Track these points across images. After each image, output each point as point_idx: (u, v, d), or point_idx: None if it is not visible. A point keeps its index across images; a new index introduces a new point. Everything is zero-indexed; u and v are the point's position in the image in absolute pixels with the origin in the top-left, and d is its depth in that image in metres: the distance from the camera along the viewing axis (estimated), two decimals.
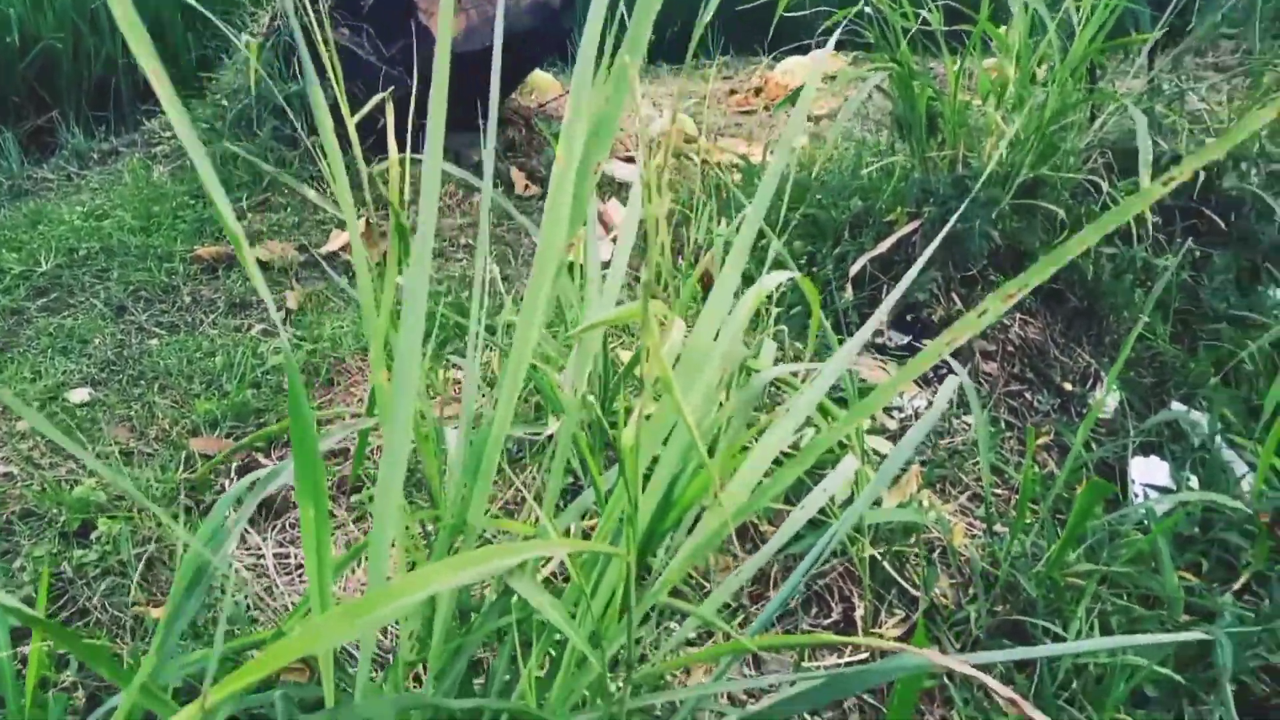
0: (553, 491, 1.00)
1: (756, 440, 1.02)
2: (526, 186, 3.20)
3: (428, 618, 1.00)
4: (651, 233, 0.78)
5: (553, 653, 1.11)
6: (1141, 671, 1.92)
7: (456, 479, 0.92)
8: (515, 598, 1.04)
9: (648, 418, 1.02)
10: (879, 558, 1.70)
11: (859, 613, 1.64)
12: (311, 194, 1.09)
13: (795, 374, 1.68)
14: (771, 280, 1.12)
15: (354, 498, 1.92)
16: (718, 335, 1.03)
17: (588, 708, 1.02)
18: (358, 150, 0.99)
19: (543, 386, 1.52)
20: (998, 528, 1.95)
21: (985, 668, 1.76)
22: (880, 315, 1.02)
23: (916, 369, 0.90)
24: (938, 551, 1.86)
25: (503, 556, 0.74)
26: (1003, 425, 2.37)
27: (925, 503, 1.79)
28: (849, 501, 1.64)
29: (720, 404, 1.19)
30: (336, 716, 0.87)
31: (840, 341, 2.54)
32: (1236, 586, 2.19)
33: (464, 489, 0.89)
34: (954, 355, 2.45)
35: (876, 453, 1.87)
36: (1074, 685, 1.79)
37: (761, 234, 2.63)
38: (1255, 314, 2.78)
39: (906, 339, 2.47)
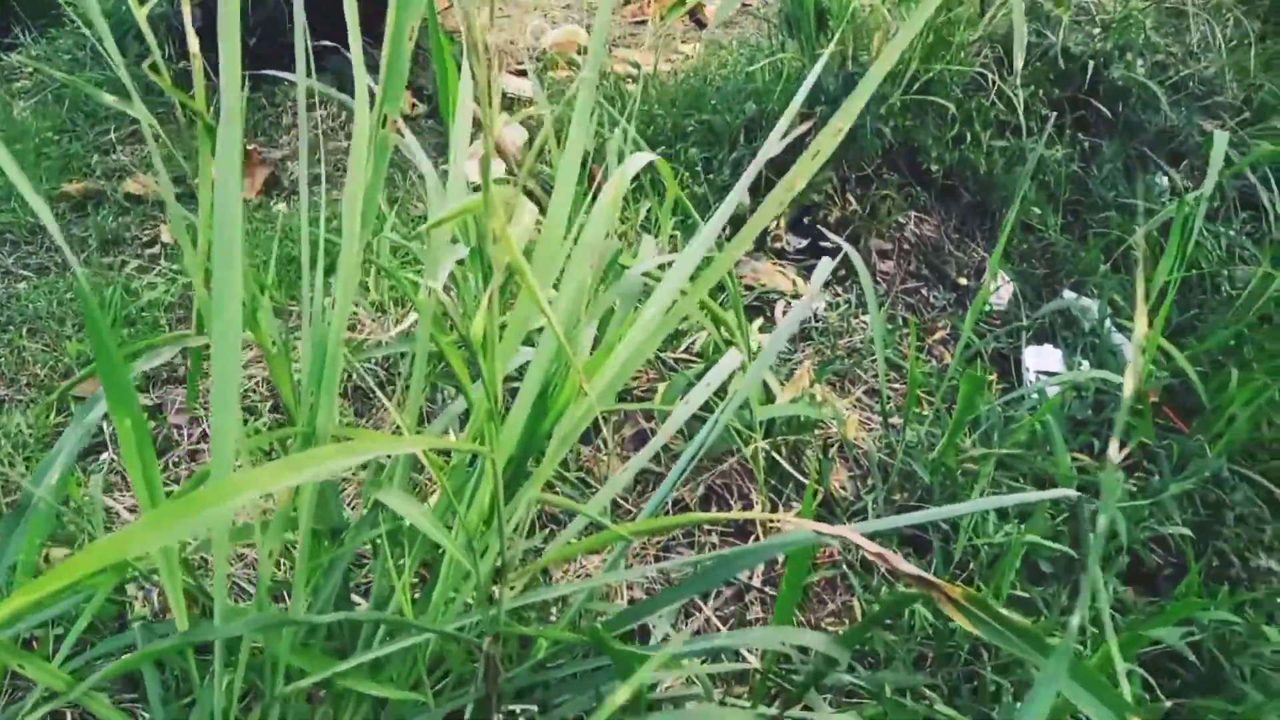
0: (415, 394, 0.96)
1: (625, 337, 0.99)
2: (414, 105, 3.07)
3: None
4: (483, 95, 0.73)
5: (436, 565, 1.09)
6: (1031, 547, 1.99)
7: (305, 389, 0.87)
8: (386, 511, 1.00)
9: (505, 323, 0.98)
10: (775, 454, 1.70)
11: (757, 509, 1.64)
12: (109, 99, 1.00)
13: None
14: (635, 164, 1.08)
15: None
16: (577, 226, 0.99)
17: (471, 613, 1.00)
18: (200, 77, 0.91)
19: (411, 295, 1.46)
20: (894, 420, 1.98)
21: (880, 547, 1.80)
22: (741, 189, 0.99)
23: (755, 226, 0.87)
24: (836, 447, 1.88)
25: (347, 455, 0.70)
26: (900, 322, 2.39)
27: (819, 397, 1.80)
28: (745, 405, 1.63)
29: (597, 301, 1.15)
30: (192, 638, 0.83)
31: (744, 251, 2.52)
32: (1120, 458, 2.27)
33: (311, 396, 0.84)
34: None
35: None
36: (970, 566, 1.84)
37: (648, 144, 2.57)
38: (1142, 201, 2.84)
39: (805, 242, 2.46)
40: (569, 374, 1.05)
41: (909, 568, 0.77)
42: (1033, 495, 1.00)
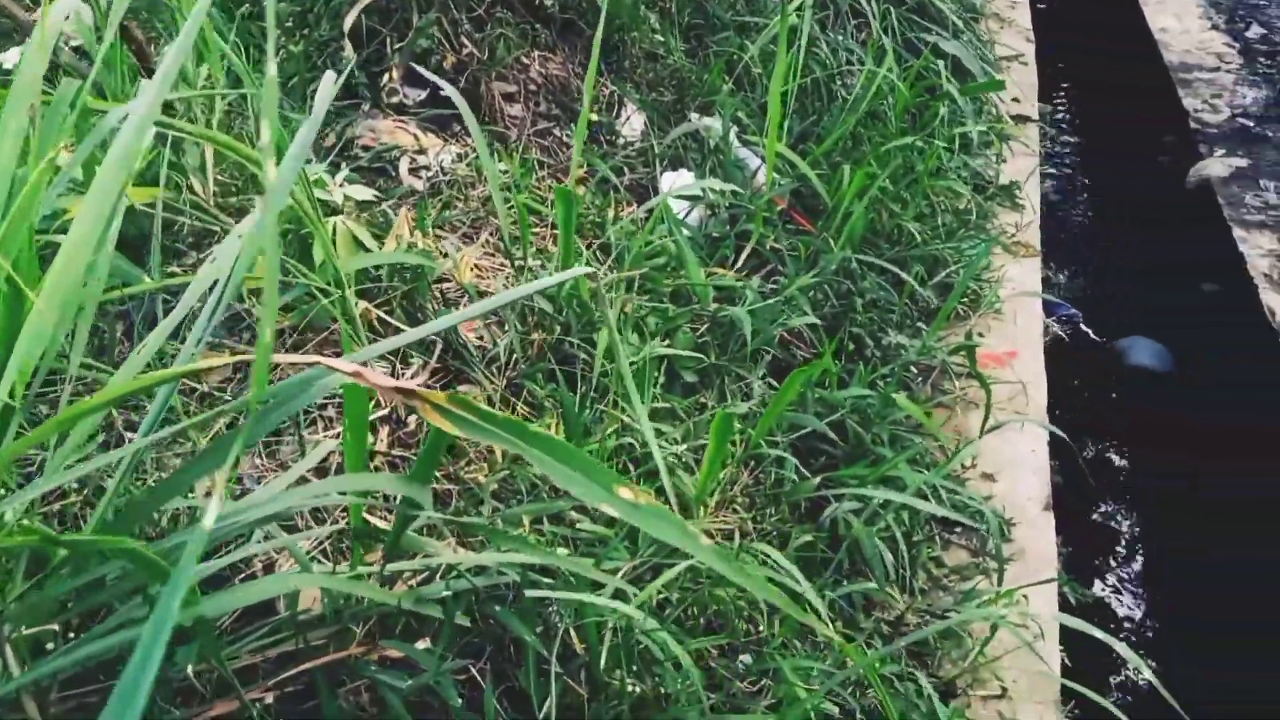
0: None
1: None
2: None
3: None
4: None
5: None
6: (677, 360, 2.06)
7: None
8: None
9: None
10: (383, 311, 1.61)
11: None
12: None
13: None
14: None
15: None
16: None
17: None
18: None
19: None
20: (520, 261, 1.94)
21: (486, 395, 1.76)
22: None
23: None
24: (466, 298, 1.81)
25: None
26: (535, 165, 2.33)
27: (420, 244, 1.71)
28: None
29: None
30: None
31: (358, 108, 2.35)
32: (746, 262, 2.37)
33: None
34: (470, 101, 2.36)
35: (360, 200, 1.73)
36: (610, 394, 1.87)
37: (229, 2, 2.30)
38: (757, 18, 2.92)
39: (424, 93, 2.32)
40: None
41: (385, 381, 0.72)
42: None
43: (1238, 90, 4.40)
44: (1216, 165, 3.92)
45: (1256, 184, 3.79)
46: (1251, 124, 4.26)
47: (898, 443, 2.44)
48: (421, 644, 1.21)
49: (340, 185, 1.58)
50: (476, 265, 1.81)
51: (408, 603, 1.05)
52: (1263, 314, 3.21)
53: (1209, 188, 3.77)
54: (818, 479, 2.13)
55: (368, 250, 1.52)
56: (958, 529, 2.41)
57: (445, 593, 1.10)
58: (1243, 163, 3.90)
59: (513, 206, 1.96)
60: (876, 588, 2.08)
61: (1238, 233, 3.55)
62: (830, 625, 1.86)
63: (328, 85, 0.99)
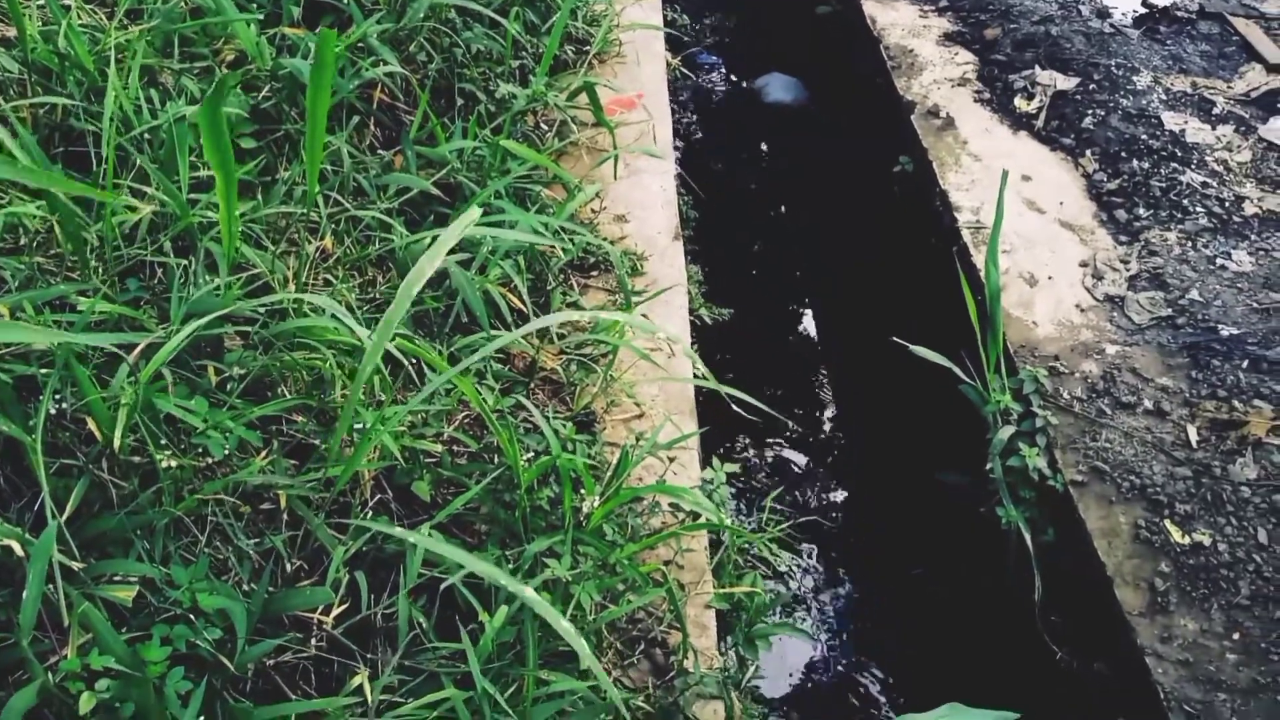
0: None
1: None
2: None
3: None
4: None
5: None
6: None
7: None
8: None
9: None
10: None
11: None
12: None
13: None
14: None
15: None
16: None
17: None
18: None
19: None
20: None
21: None
22: None
23: None
24: None
25: None
26: None
27: None
28: None
29: None
30: None
31: None
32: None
33: None
34: None
35: None
36: (137, 160, 1.63)
37: None
38: None
39: None
40: None
41: None
42: None
43: None
44: None
45: None
46: None
47: (527, 196, 2.36)
48: None
49: None
50: None
51: None
52: (868, 25, 3.33)
53: None
54: (428, 236, 2.01)
55: None
56: (594, 272, 2.39)
57: None
58: None
59: None
60: (500, 337, 2.03)
61: None
62: (435, 371, 1.79)
63: None
